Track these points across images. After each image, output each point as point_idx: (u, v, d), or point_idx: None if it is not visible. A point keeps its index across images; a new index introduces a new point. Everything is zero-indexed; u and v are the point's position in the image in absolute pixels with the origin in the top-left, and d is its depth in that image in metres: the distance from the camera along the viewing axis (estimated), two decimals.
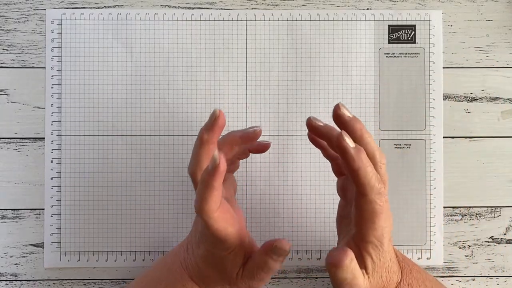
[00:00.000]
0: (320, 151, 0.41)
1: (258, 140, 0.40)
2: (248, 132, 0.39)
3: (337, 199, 0.46)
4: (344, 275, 0.33)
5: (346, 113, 0.35)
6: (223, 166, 0.31)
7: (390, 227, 0.35)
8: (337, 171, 0.40)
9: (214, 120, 0.36)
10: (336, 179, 0.40)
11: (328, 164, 0.45)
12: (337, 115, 0.35)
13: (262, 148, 0.41)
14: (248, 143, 0.40)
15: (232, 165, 0.42)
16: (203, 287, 0.37)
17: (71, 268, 0.46)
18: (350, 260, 0.33)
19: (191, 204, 0.46)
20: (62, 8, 0.47)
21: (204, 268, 0.37)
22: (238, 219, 0.36)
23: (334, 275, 0.33)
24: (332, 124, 0.36)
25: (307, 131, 0.38)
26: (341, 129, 0.35)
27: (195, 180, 0.37)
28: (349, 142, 0.33)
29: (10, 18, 0.46)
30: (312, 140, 0.40)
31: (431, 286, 0.39)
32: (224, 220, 0.34)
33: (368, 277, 0.35)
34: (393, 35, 0.47)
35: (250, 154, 0.43)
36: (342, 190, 0.39)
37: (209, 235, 0.34)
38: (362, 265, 0.35)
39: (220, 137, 0.39)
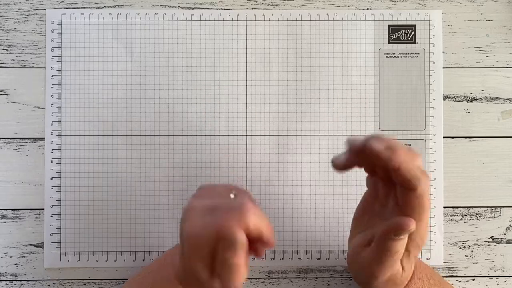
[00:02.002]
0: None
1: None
2: None
3: (337, 198, 0.46)
4: (400, 246, 0.34)
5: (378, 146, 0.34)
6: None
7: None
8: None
9: None
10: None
11: (327, 164, 0.45)
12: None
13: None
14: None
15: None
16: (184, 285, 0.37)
17: (71, 268, 0.46)
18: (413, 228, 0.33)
19: None
20: (62, 8, 0.47)
21: (182, 271, 0.36)
22: None
23: (392, 245, 0.34)
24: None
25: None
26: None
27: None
28: (378, 144, 0.32)
29: (10, 18, 0.46)
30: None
31: (438, 279, 0.40)
32: None
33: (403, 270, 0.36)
34: (393, 35, 0.47)
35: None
36: (374, 187, 0.38)
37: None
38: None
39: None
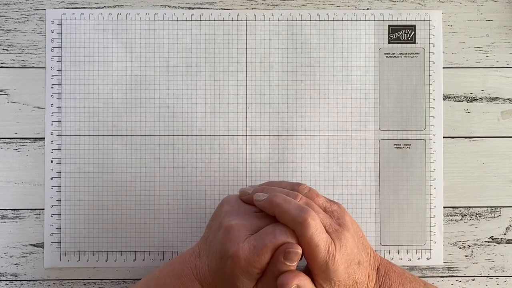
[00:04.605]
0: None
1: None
2: None
3: (337, 199, 0.46)
4: None
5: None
6: None
7: (352, 259, 0.36)
8: None
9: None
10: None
11: (327, 164, 0.45)
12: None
13: None
14: None
15: None
16: None
17: (71, 268, 0.46)
18: (295, 286, 0.34)
19: (191, 203, 0.46)
20: (62, 8, 0.47)
21: (213, 282, 0.37)
22: None
23: None
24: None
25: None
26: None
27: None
28: (258, 197, 0.37)
29: (10, 18, 0.46)
30: None
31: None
32: None
33: None
34: (393, 35, 0.47)
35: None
36: None
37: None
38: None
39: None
